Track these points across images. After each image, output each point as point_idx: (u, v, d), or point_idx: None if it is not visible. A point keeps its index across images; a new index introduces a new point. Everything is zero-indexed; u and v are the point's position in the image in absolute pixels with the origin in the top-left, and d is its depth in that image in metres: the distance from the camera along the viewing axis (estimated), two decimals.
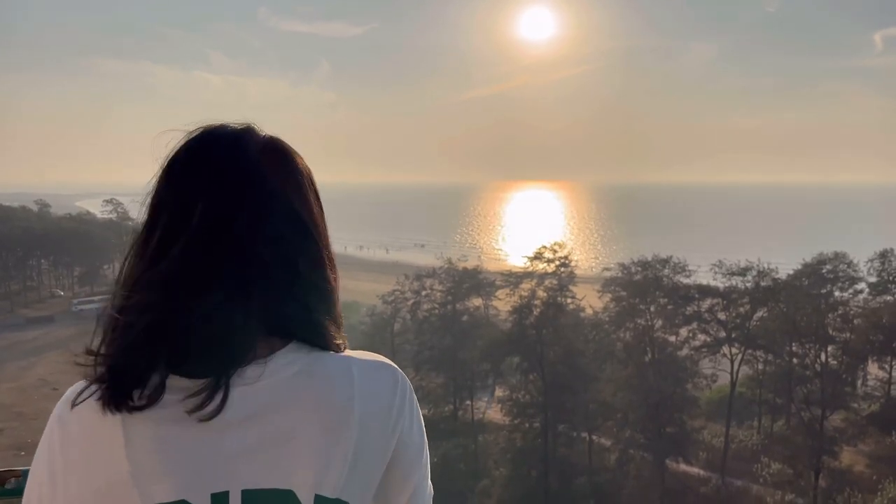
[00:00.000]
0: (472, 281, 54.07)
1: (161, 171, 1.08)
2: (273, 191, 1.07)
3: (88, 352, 1.02)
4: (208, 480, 0.95)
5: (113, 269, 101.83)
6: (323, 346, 1.08)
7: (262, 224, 1.04)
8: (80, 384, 1.03)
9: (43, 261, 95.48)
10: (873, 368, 45.81)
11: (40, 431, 1.06)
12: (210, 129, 1.11)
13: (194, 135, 1.10)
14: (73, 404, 1.02)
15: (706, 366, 43.69)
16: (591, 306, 49.17)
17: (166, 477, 0.95)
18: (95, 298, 79.43)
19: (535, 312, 43.20)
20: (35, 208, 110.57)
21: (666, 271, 46.81)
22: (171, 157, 1.09)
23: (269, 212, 1.06)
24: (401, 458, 1.11)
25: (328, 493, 0.99)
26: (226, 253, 1.01)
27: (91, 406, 1.00)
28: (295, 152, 1.16)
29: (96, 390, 1.00)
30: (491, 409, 48.84)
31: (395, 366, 1.13)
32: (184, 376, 0.97)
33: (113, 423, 0.98)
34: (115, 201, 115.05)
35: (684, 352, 44.09)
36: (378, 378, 1.08)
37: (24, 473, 1.65)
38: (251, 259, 1.02)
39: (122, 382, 0.98)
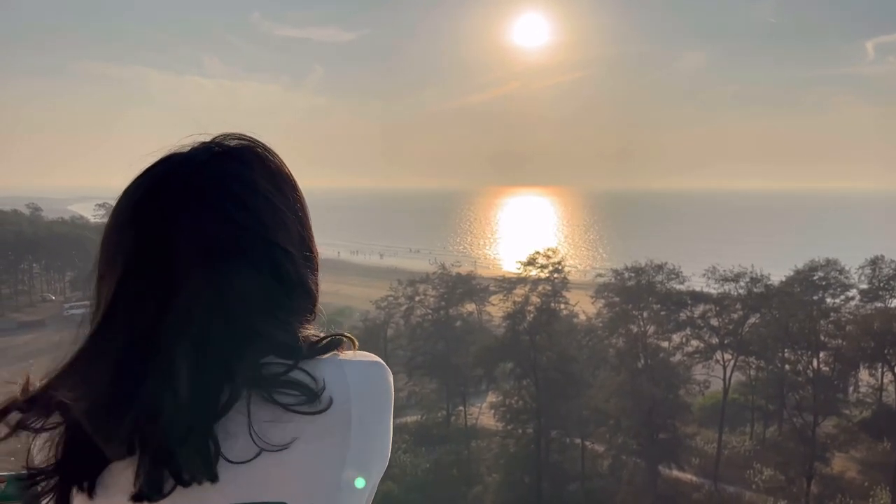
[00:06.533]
0: (465, 286, 54.07)
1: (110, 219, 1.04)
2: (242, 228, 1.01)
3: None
4: (195, 495, 0.91)
5: None
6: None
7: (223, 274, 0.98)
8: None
9: (35, 265, 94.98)
10: (865, 375, 45.97)
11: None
12: (155, 178, 1.03)
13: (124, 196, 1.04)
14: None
15: (699, 372, 43.77)
16: (584, 312, 49.23)
17: None
18: (87, 303, 78.79)
19: (528, 318, 43.20)
20: (27, 212, 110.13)
21: (660, 277, 46.90)
22: (113, 211, 1.04)
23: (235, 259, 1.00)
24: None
25: (324, 502, 0.95)
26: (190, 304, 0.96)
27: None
28: (261, 171, 1.09)
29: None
30: (483, 415, 48.77)
31: (383, 362, 1.09)
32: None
33: None
34: (107, 205, 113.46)
35: (677, 358, 44.20)
36: (372, 378, 1.04)
37: (10, 479, 1.65)
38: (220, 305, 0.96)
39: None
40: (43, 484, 0.95)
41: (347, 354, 1.07)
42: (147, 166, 1.05)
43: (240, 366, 0.94)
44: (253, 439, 0.92)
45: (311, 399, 0.94)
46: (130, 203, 1.01)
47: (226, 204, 1.01)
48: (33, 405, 0.98)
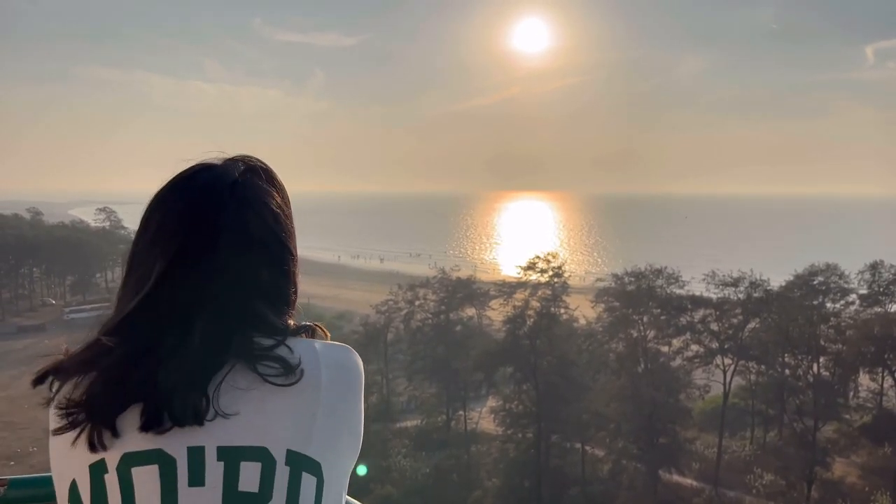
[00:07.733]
0: (465, 291, 54.04)
1: (143, 221, 1.25)
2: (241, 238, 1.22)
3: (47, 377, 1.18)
4: (186, 435, 1.08)
5: (105, 278, 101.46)
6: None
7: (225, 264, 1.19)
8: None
9: (35, 269, 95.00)
10: (865, 380, 45.94)
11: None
12: (181, 184, 1.25)
13: (162, 194, 1.25)
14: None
15: (699, 376, 43.73)
16: (584, 316, 49.21)
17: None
18: (87, 307, 79.02)
19: (528, 322, 43.20)
20: (28, 216, 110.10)
21: (659, 282, 46.90)
22: (146, 212, 1.25)
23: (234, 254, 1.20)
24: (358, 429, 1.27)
25: (300, 450, 1.12)
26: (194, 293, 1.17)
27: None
28: (276, 187, 1.32)
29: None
30: (483, 419, 48.69)
31: (353, 349, 1.29)
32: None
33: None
34: (108, 210, 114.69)
35: (677, 362, 44.16)
36: (340, 353, 1.25)
37: (11, 482, 1.63)
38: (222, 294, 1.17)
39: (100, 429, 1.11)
40: (71, 418, 1.12)
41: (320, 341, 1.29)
42: (186, 174, 1.27)
43: (239, 339, 1.15)
44: (236, 397, 1.12)
45: (288, 372, 1.14)
46: (181, 204, 1.22)
47: (263, 212, 1.26)
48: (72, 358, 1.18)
